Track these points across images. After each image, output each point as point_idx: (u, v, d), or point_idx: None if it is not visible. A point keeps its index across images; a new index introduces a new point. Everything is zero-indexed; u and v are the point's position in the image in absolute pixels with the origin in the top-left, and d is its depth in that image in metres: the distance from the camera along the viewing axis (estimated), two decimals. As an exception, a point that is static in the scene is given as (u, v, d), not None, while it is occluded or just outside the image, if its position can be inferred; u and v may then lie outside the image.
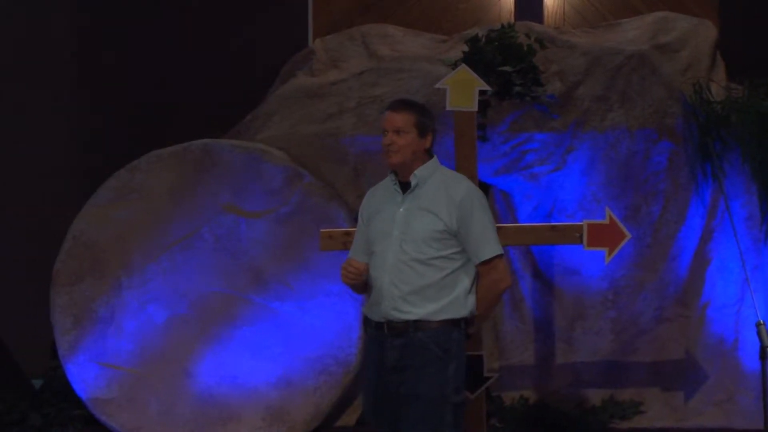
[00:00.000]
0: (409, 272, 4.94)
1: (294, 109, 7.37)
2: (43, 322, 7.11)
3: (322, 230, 5.97)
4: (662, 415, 7.03)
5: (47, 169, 7.89)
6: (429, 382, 4.90)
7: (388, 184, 5.13)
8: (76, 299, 6.97)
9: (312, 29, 8.11)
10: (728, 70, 7.38)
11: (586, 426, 6.85)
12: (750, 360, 6.87)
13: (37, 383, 7.50)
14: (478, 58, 6.95)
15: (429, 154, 5.09)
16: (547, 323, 7.26)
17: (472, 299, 5.03)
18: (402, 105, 5.09)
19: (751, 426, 6.70)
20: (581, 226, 5.83)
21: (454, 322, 4.96)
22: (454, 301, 4.96)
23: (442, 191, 5.01)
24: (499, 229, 5.22)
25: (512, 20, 7.57)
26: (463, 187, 5.05)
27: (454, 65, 6.78)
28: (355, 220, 5.47)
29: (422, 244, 4.95)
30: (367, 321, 5.09)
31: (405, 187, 5.06)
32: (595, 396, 7.12)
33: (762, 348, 5.54)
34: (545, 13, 7.89)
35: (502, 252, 5.07)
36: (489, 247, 5.01)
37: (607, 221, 5.80)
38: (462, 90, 5.85)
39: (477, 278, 5.06)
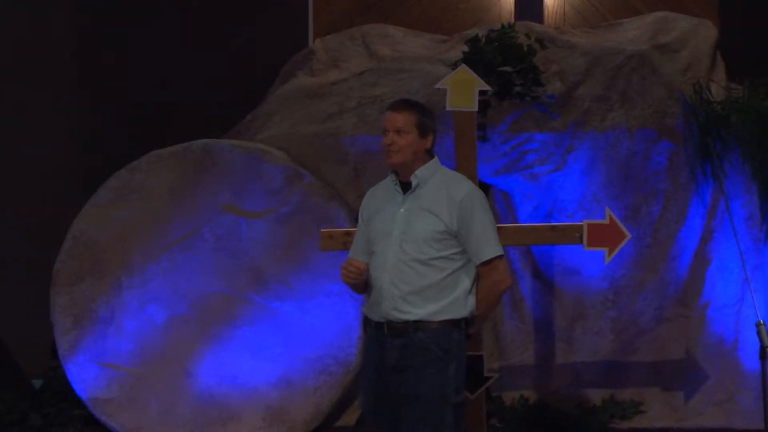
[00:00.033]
0: (409, 272, 4.94)
1: (294, 109, 7.37)
2: (43, 322, 7.11)
3: (322, 230, 5.97)
4: (662, 415, 7.03)
5: (47, 169, 7.89)
6: (429, 383, 4.90)
7: (389, 184, 5.13)
8: (76, 299, 6.97)
9: (312, 29, 8.11)
10: (728, 70, 7.38)
11: (587, 426, 6.85)
12: (750, 360, 6.87)
13: (37, 383, 7.50)
14: (478, 58, 6.95)
15: (430, 154, 5.09)
16: (547, 323, 7.26)
17: (472, 300, 5.02)
18: (403, 105, 5.08)
19: (751, 426, 6.71)
20: (581, 226, 5.83)
21: (454, 323, 4.96)
22: (454, 301, 4.96)
23: (443, 191, 5.00)
24: (499, 229, 5.22)
25: (512, 20, 7.57)
26: (463, 187, 5.05)
27: (455, 65, 6.78)
28: (355, 220, 5.46)
29: (423, 245, 4.94)
30: (367, 321, 5.09)
31: (405, 187, 5.06)
32: (596, 396, 7.12)
33: (762, 348, 5.54)
34: (545, 13, 7.89)
35: (503, 253, 5.07)
36: (489, 247, 5.00)
37: (607, 221, 5.80)
38: (462, 90, 5.85)
39: (477, 279, 5.05)
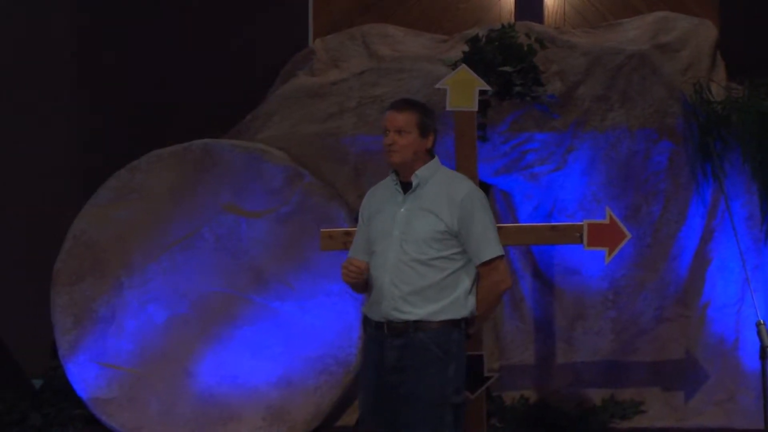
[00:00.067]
0: (409, 272, 4.93)
1: (294, 108, 7.37)
2: (43, 321, 7.11)
3: (322, 230, 5.97)
4: (663, 414, 7.03)
5: (47, 169, 7.89)
6: (429, 383, 4.89)
7: (389, 183, 5.12)
8: (76, 299, 6.97)
9: (312, 29, 8.10)
10: (728, 70, 7.38)
11: (587, 426, 6.86)
12: (750, 360, 6.87)
13: (38, 383, 7.50)
14: (478, 58, 6.95)
15: (430, 154, 5.08)
16: (548, 323, 7.26)
17: (472, 300, 5.02)
18: (404, 105, 5.08)
19: (751, 426, 6.71)
20: (581, 225, 5.83)
21: (454, 323, 4.95)
22: (454, 301, 4.96)
23: (444, 191, 5.00)
24: (499, 229, 5.21)
25: (512, 20, 7.56)
26: (464, 187, 5.04)
27: (455, 65, 6.78)
28: (356, 219, 5.46)
29: (423, 245, 4.94)
30: (366, 320, 5.09)
31: (406, 187, 5.05)
32: (596, 396, 7.12)
33: (762, 348, 5.54)
34: (545, 13, 7.88)
35: (503, 253, 5.06)
36: (490, 248, 5.00)
37: (607, 221, 5.81)
38: (462, 90, 5.85)
39: (477, 279, 5.05)
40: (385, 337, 4.96)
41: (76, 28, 8.14)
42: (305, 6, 8.13)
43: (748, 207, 7.04)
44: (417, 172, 5.02)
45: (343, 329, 6.91)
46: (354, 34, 7.80)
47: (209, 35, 8.04)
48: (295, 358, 6.90)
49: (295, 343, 6.91)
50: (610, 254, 5.79)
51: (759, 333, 5.60)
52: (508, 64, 6.98)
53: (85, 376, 6.93)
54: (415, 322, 4.91)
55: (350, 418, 7.06)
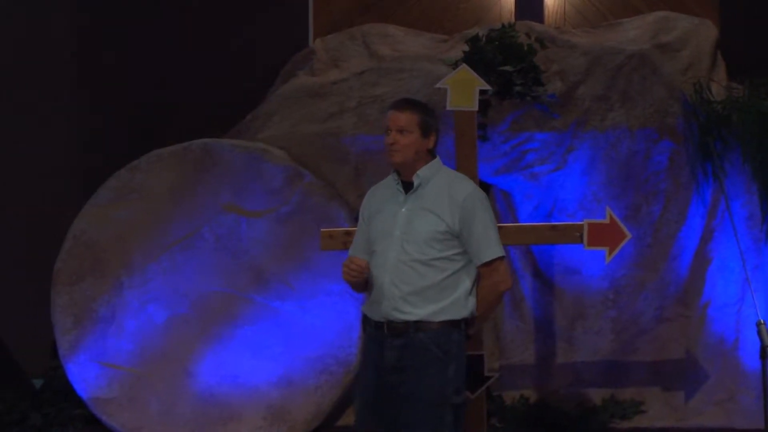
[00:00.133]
0: (410, 273, 4.93)
1: (294, 108, 7.37)
2: (44, 321, 7.11)
3: (322, 230, 5.97)
4: (663, 414, 7.03)
5: (47, 169, 7.89)
6: (429, 383, 4.89)
7: (390, 183, 5.12)
8: (76, 299, 6.97)
9: (312, 29, 8.10)
10: (729, 70, 7.38)
11: (587, 425, 6.85)
12: (750, 359, 6.87)
13: (38, 383, 7.50)
14: (478, 57, 6.95)
15: (432, 154, 5.08)
16: (548, 323, 7.26)
17: (472, 300, 5.02)
18: (406, 104, 5.07)
19: (751, 425, 6.71)
20: (582, 225, 5.84)
21: (454, 323, 4.95)
22: (454, 302, 4.95)
23: (445, 192, 4.99)
24: (499, 228, 5.21)
25: (513, 20, 7.56)
26: (465, 187, 5.04)
27: (455, 65, 6.78)
28: (356, 219, 5.46)
29: (424, 245, 4.93)
30: (366, 320, 5.08)
31: (407, 186, 5.05)
32: (596, 395, 7.12)
33: (762, 347, 5.55)
34: (546, 12, 7.88)
35: (504, 254, 5.06)
36: (491, 248, 4.99)
37: (607, 221, 5.81)
38: (462, 89, 5.85)
39: (478, 279, 5.05)
40: (384, 337, 4.96)
41: (76, 28, 8.14)
42: (305, 6, 8.13)
43: (749, 207, 7.04)
44: (418, 172, 5.02)
45: (343, 329, 6.91)
46: (354, 33, 7.80)
47: (209, 35, 8.04)
48: (295, 357, 6.90)
49: (296, 342, 6.91)
50: (610, 254, 5.79)
51: (759, 333, 5.61)
52: (509, 63, 6.98)
53: (86, 376, 6.93)
54: (416, 322, 4.91)
55: (350, 418, 7.05)
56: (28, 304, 7.52)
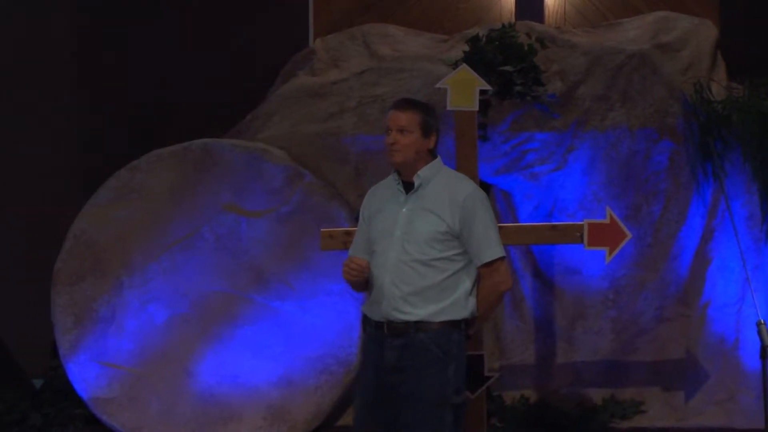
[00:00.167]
0: (410, 273, 4.93)
1: (295, 108, 7.37)
2: (44, 321, 7.11)
3: (322, 229, 5.97)
4: (663, 414, 7.03)
5: (47, 169, 7.89)
6: (429, 384, 4.89)
7: (391, 183, 5.12)
8: (76, 299, 6.97)
9: (312, 29, 8.10)
10: (729, 70, 7.38)
11: (587, 425, 6.85)
12: (751, 359, 6.87)
13: (38, 383, 7.50)
14: (478, 57, 6.95)
15: (432, 154, 5.07)
16: (548, 323, 7.26)
17: (472, 301, 5.01)
18: (407, 104, 5.07)
19: (752, 425, 6.71)
20: (582, 225, 5.84)
21: (454, 324, 4.95)
22: (455, 302, 4.95)
23: (446, 192, 4.99)
24: (499, 228, 5.21)
25: (513, 20, 7.57)
26: (466, 187, 5.03)
27: (455, 65, 6.78)
28: (356, 219, 5.46)
29: (424, 245, 4.93)
30: (366, 320, 5.08)
31: (408, 186, 5.05)
32: (596, 395, 7.12)
33: (762, 347, 5.55)
34: (546, 12, 7.88)
35: (504, 254, 5.06)
36: (491, 249, 4.99)
37: (607, 221, 5.81)
38: (463, 89, 5.85)
39: (478, 280, 5.04)
40: (385, 337, 4.96)
41: (76, 28, 8.14)
42: (305, 6, 8.13)
43: (749, 207, 7.04)
44: (419, 172, 5.01)
45: (343, 329, 6.90)
46: (354, 33, 7.80)
47: (209, 35, 8.04)
48: (295, 357, 6.90)
49: (296, 342, 6.91)
50: (610, 254, 5.79)
51: (759, 332, 5.61)
52: (509, 63, 6.98)
53: (86, 376, 6.93)
54: (416, 322, 4.91)
55: (350, 418, 7.03)
56: (28, 304, 7.52)
